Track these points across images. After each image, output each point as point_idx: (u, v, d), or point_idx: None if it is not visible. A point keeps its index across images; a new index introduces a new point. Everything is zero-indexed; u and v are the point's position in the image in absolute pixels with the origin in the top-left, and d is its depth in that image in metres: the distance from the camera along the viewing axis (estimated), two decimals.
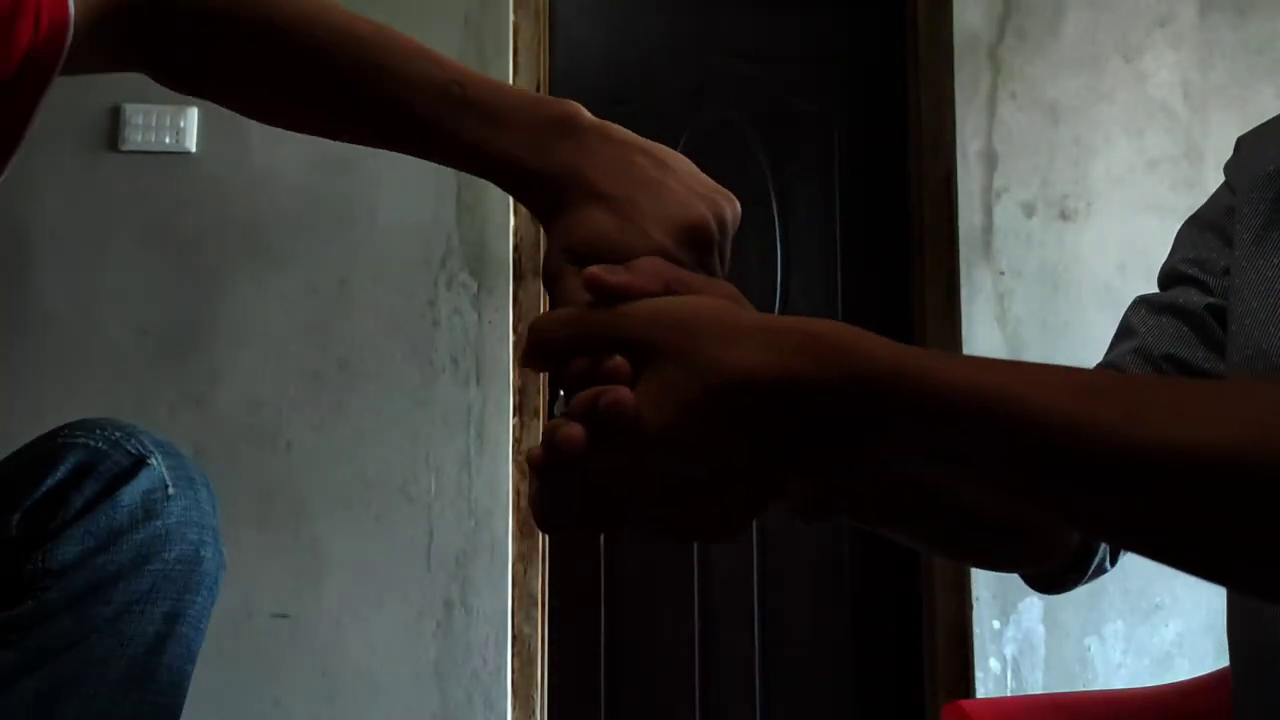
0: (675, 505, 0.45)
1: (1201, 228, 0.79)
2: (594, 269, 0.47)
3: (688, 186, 0.56)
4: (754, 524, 0.48)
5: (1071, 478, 0.39)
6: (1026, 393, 0.39)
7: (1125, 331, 0.77)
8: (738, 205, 0.57)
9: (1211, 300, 0.73)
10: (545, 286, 0.55)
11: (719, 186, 0.57)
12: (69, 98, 2.11)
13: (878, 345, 0.41)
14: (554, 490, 0.45)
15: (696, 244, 0.54)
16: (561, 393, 0.49)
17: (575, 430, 0.43)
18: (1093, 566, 0.67)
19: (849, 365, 0.41)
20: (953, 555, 0.63)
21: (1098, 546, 0.67)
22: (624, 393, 0.43)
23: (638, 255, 0.51)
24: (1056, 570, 0.68)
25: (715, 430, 0.42)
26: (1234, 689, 0.75)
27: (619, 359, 0.44)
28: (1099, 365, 0.77)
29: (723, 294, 0.49)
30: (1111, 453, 0.37)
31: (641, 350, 0.44)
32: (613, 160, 0.56)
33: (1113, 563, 0.69)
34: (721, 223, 0.56)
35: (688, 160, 0.58)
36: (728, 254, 0.57)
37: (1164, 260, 0.80)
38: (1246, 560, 0.38)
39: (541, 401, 2.13)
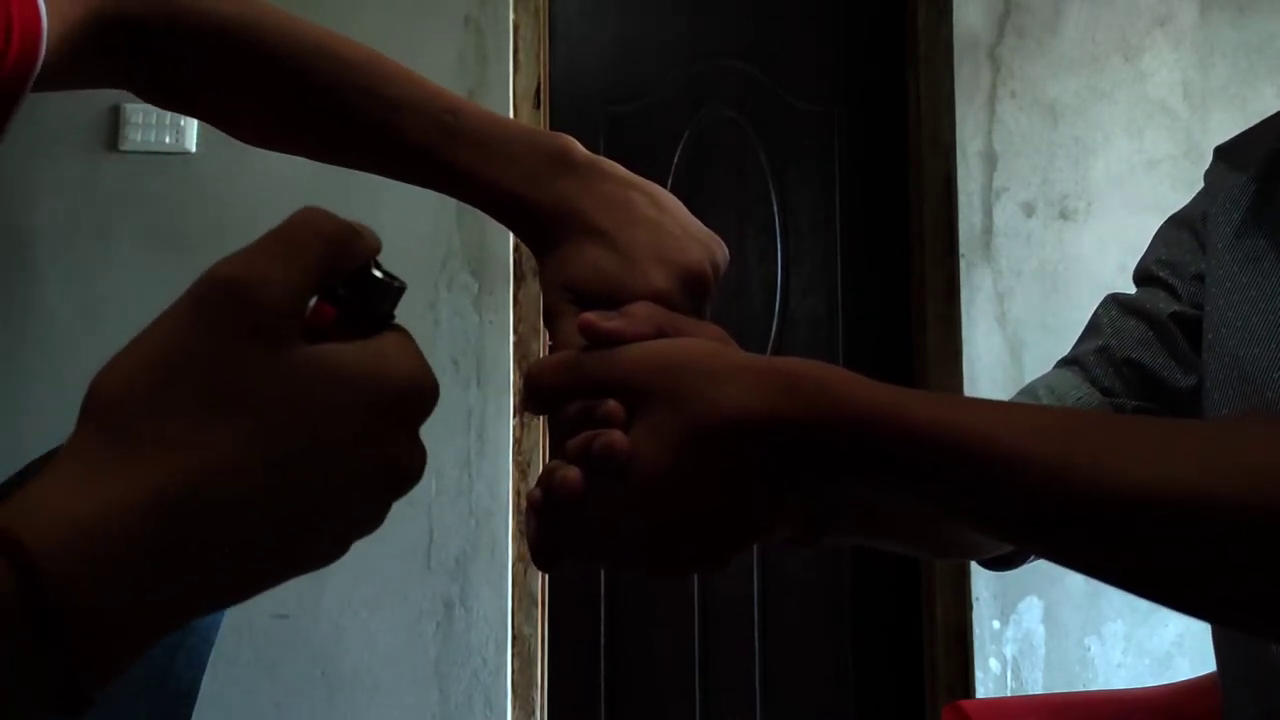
0: (669, 542, 0.46)
1: (1178, 228, 0.80)
2: (588, 315, 0.48)
3: (684, 228, 0.56)
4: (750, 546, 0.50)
5: (1043, 517, 0.41)
6: (1000, 434, 0.41)
7: (1093, 328, 0.78)
8: (726, 250, 0.58)
9: (1178, 308, 0.75)
10: (545, 323, 0.56)
11: (709, 230, 0.58)
12: (69, 97, 2.11)
13: (859, 386, 0.43)
14: (551, 530, 0.46)
15: (693, 289, 0.55)
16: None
17: (572, 474, 0.44)
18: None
19: (830, 406, 0.43)
20: (929, 556, 0.66)
21: None
22: (617, 436, 0.44)
23: (636, 295, 0.52)
24: (1008, 552, 0.70)
25: (706, 469, 0.44)
26: (1225, 701, 0.75)
27: (612, 403, 0.45)
28: (1062, 360, 0.78)
29: (712, 336, 0.50)
30: (1081, 495, 0.39)
31: (634, 394, 0.45)
32: (609, 196, 0.56)
33: None
34: (715, 268, 0.57)
35: (677, 199, 0.58)
36: (715, 297, 0.58)
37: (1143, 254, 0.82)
38: (1215, 596, 0.41)
39: None
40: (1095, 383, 0.74)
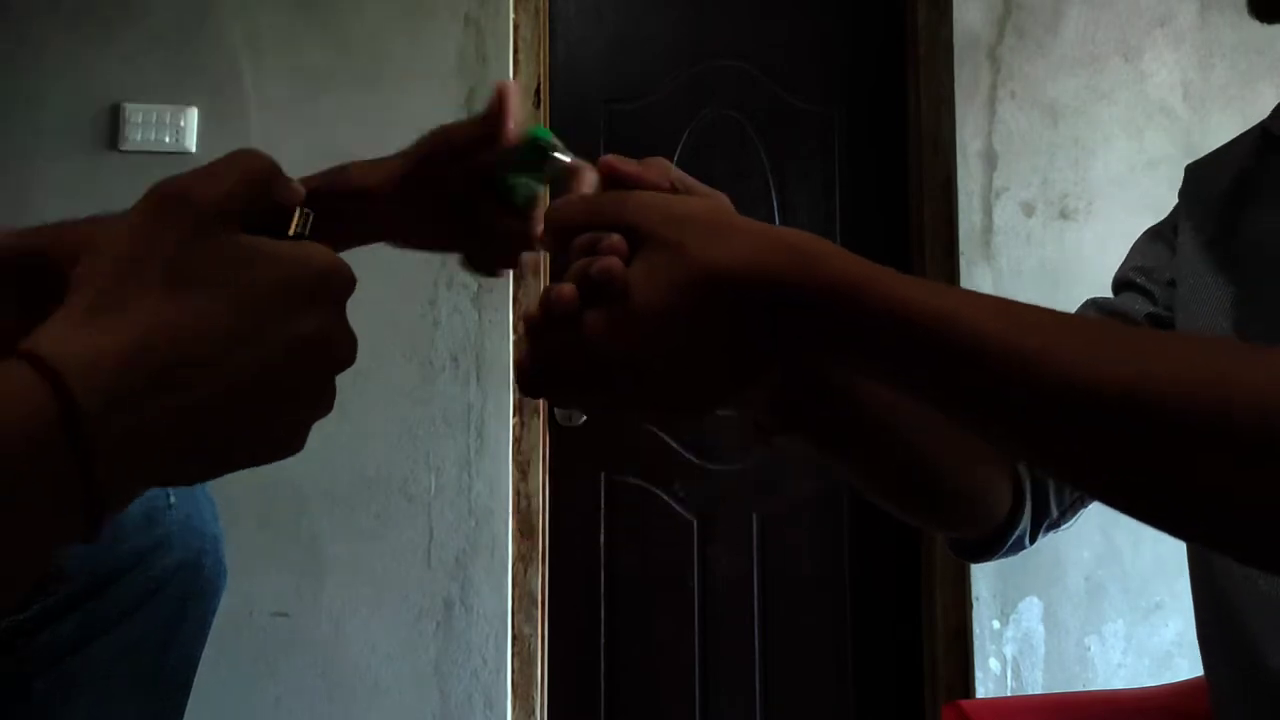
0: (650, 379, 0.49)
1: (1152, 239, 0.83)
2: (609, 157, 0.53)
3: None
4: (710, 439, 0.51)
5: (999, 400, 0.44)
6: (965, 314, 0.44)
7: None
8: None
9: (1153, 310, 0.78)
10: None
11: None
12: (69, 97, 2.11)
13: (844, 256, 0.47)
14: (543, 350, 0.49)
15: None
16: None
17: (568, 290, 0.48)
18: (1010, 540, 0.70)
19: (815, 270, 0.46)
20: (893, 501, 0.66)
21: (1019, 520, 0.69)
22: (615, 262, 0.47)
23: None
24: (977, 540, 0.70)
25: (694, 314, 0.47)
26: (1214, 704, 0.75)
27: (616, 237, 0.49)
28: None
29: (717, 199, 0.55)
30: (1032, 379, 0.42)
31: (640, 234, 0.48)
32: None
33: (1032, 540, 0.71)
34: None
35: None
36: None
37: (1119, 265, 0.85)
38: (1171, 500, 0.42)
39: (541, 401, 2.13)
40: None
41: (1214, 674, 0.75)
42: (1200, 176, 0.81)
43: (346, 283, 0.43)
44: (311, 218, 0.45)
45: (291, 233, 0.44)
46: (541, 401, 2.13)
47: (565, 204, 0.53)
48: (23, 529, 0.34)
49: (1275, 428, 0.39)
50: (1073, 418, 0.42)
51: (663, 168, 0.54)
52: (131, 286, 0.38)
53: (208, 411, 0.38)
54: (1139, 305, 0.78)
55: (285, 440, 0.42)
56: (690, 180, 0.55)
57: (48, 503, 0.34)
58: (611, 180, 0.52)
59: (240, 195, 0.42)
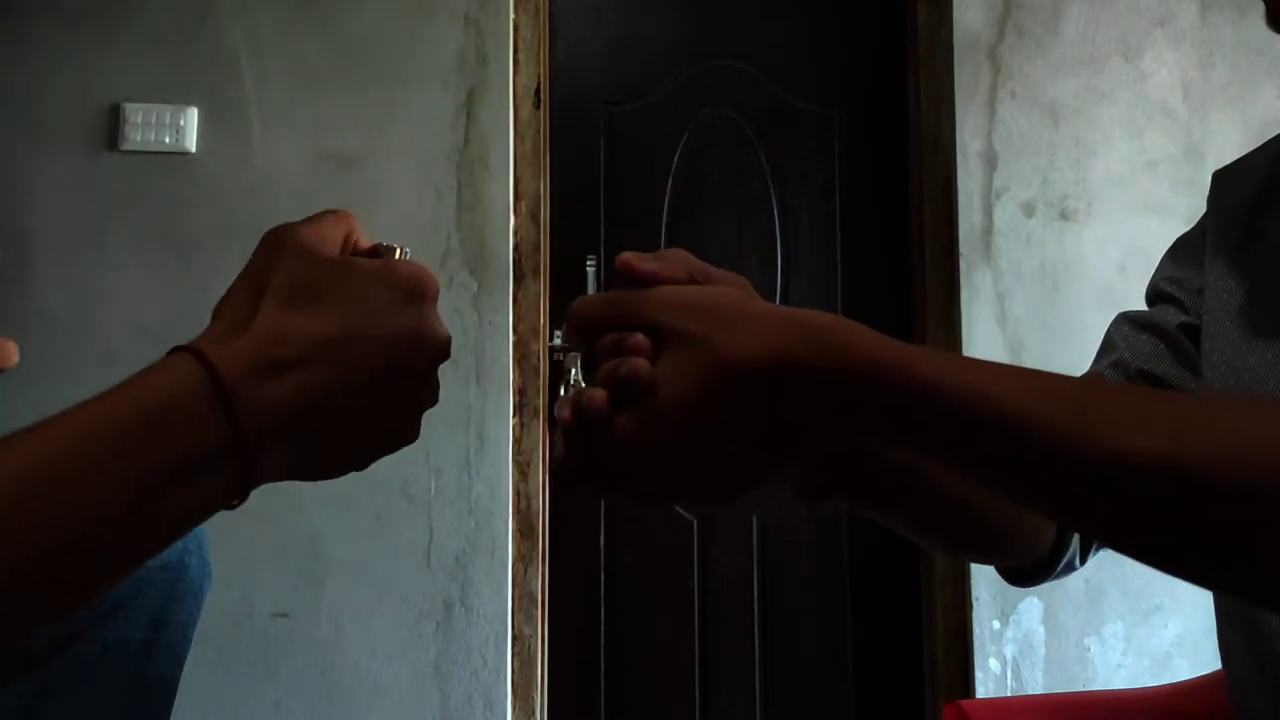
0: (683, 471, 0.49)
1: (1182, 248, 0.83)
2: (626, 255, 0.53)
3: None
4: (755, 515, 0.52)
5: (1031, 473, 0.44)
6: (991, 389, 0.44)
7: (1107, 346, 0.81)
8: None
9: (1185, 319, 0.78)
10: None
11: None
12: (69, 97, 2.11)
13: (868, 337, 0.47)
14: (577, 451, 0.50)
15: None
16: (574, 370, 0.58)
17: (599, 394, 0.49)
18: (1062, 564, 0.71)
19: (841, 354, 0.46)
20: (940, 545, 0.67)
21: (1068, 543, 0.70)
22: (642, 363, 0.48)
23: None
24: (1029, 565, 0.71)
25: (722, 405, 0.47)
26: (1233, 697, 0.75)
27: (640, 336, 0.49)
28: (1082, 377, 0.79)
29: (737, 285, 0.55)
30: (1063, 453, 0.43)
31: (663, 330, 0.49)
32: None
33: (1082, 561, 0.72)
34: None
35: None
36: None
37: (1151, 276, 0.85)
38: (1200, 558, 0.44)
39: (541, 402, 2.13)
40: None
41: (1233, 669, 0.75)
42: (1226, 183, 0.81)
43: (433, 286, 0.50)
44: (409, 252, 0.52)
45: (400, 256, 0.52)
46: (541, 403, 2.13)
47: (587, 303, 0.53)
48: (187, 490, 0.43)
49: None
50: (1103, 488, 0.43)
51: (680, 260, 0.54)
52: (256, 306, 0.46)
53: (329, 396, 0.46)
54: (1170, 315, 0.79)
55: (402, 430, 0.50)
56: (709, 268, 0.55)
57: (209, 465, 0.43)
58: (630, 278, 0.53)
59: (336, 231, 0.50)
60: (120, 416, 0.42)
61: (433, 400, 0.51)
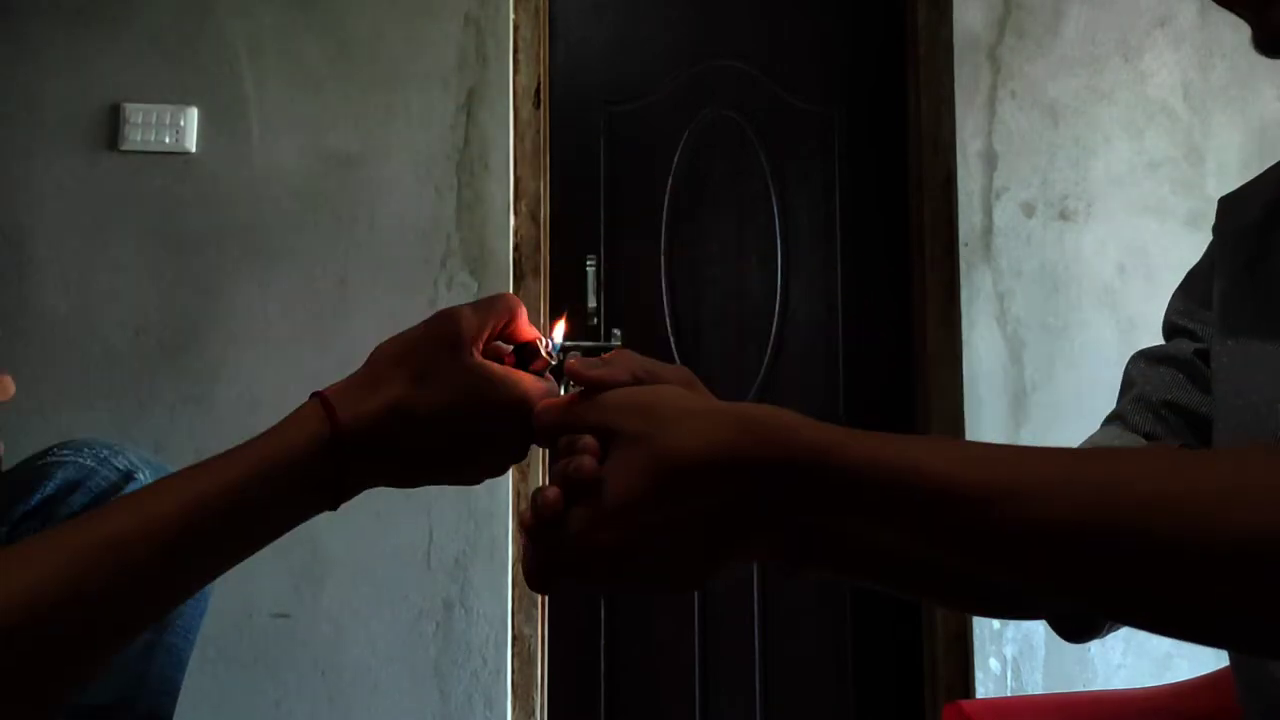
0: (642, 563, 0.52)
1: (1191, 279, 0.84)
2: (573, 362, 0.57)
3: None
4: (721, 574, 0.56)
5: (973, 542, 0.45)
6: (926, 463, 0.45)
7: (1126, 384, 0.82)
8: None
9: (1200, 345, 0.78)
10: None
11: None
12: (69, 97, 2.11)
13: (807, 427, 0.49)
14: (540, 549, 0.53)
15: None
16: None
17: (552, 492, 0.52)
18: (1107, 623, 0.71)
19: (780, 444, 0.48)
20: (956, 605, 0.67)
21: None
22: (587, 460, 0.52)
23: None
24: (1073, 621, 0.71)
25: (670, 500, 0.50)
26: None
27: (588, 438, 0.53)
28: (1106, 418, 0.81)
29: (682, 380, 0.58)
30: (991, 523, 0.43)
31: (611, 431, 0.53)
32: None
33: None
34: None
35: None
36: None
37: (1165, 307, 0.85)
38: (1196, 620, 0.44)
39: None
40: (1137, 430, 0.77)
41: (1239, 672, 0.75)
42: (1232, 209, 0.81)
43: (527, 409, 0.58)
44: (555, 344, 0.63)
45: (544, 354, 0.63)
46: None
47: (546, 409, 0.58)
48: (293, 505, 0.56)
49: None
50: (1039, 554, 0.43)
51: (626, 362, 0.58)
52: (391, 374, 0.57)
53: (414, 457, 0.58)
54: (1185, 346, 0.79)
55: (479, 476, 0.62)
56: (654, 365, 0.58)
57: (312, 487, 0.55)
58: (579, 384, 0.57)
59: (498, 321, 0.60)
60: (247, 478, 0.53)
61: (499, 473, 0.61)
